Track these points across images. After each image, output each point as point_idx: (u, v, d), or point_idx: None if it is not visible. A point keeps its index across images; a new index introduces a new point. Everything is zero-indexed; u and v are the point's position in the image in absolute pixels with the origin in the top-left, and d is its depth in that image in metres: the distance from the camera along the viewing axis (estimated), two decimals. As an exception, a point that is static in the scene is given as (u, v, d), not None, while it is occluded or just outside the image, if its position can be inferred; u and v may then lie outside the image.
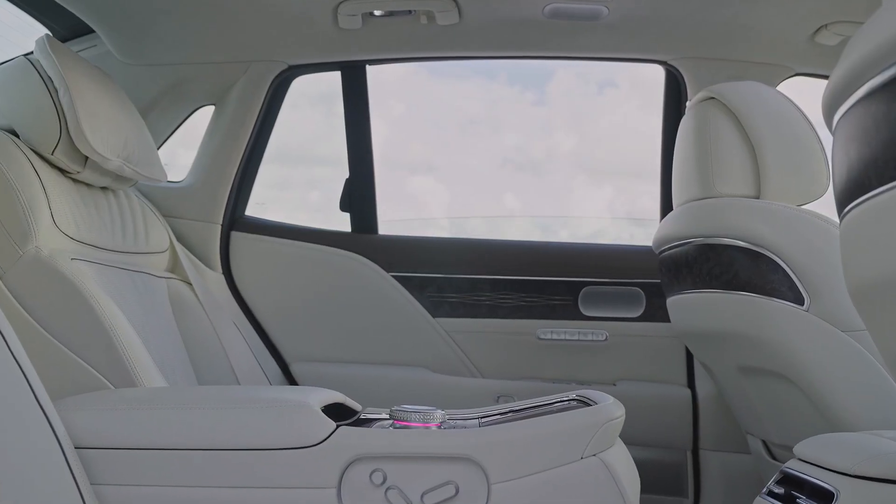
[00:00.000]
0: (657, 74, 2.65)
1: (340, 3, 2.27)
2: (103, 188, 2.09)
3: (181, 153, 2.75)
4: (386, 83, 2.81)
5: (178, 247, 2.34)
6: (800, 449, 1.52)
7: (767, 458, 2.17)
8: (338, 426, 1.40)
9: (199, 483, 1.36)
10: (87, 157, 1.92)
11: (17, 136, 1.86)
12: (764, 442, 2.19)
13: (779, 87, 2.50)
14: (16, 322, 1.60)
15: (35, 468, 1.25)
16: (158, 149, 2.56)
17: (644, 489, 1.54)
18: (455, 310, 2.61)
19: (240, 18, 2.36)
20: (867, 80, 0.83)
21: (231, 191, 2.59)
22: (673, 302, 2.23)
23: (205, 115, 2.65)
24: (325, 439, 1.37)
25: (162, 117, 2.61)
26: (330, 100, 2.70)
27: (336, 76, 2.66)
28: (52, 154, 1.85)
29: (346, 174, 2.68)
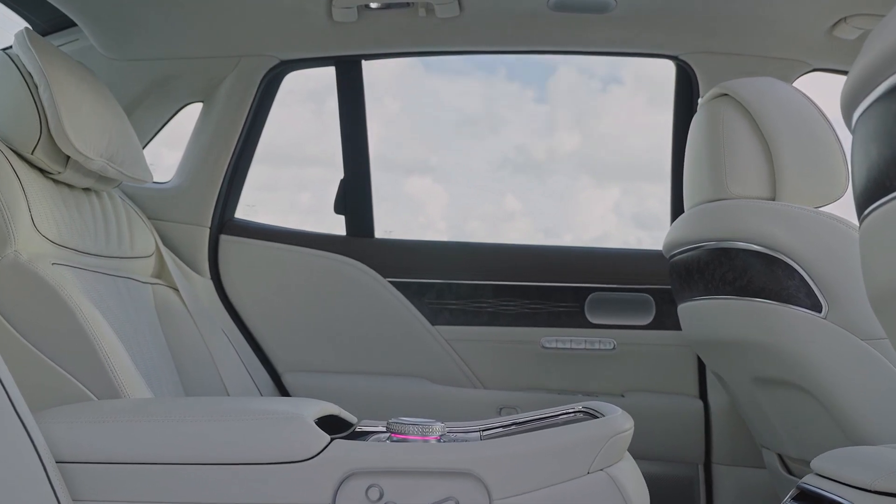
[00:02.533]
0: (667, 70, 2.64)
1: (335, -6, 2.27)
2: (86, 189, 2.07)
3: (166, 153, 2.77)
4: (382, 79, 2.78)
5: (165, 251, 2.32)
6: (817, 463, 1.48)
7: (783, 472, 2.15)
8: (332, 439, 1.38)
9: (187, 499, 1.34)
10: (68, 157, 1.90)
11: (-6, 134, 1.85)
12: (780, 456, 2.17)
13: (795, 84, 2.50)
14: (-7, 330, 1.60)
15: (14, 483, 1.24)
16: (144, 148, 2.56)
17: (653, 505, 1.53)
18: (455, 317, 2.58)
19: (229, 11, 2.35)
20: (888, 76, 0.83)
21: (220, 192, 2.58)
22: (684, 309, 2.20)
23: (192, 112, 2.65)
24: (319, 453, 1.36)
25: (147, 115, 2.59)
26: (321, 97, 2.68)
27: (329, 72, 2.65)
28: (31, 153, 1.83)
29: (341, 174, 2.67)
